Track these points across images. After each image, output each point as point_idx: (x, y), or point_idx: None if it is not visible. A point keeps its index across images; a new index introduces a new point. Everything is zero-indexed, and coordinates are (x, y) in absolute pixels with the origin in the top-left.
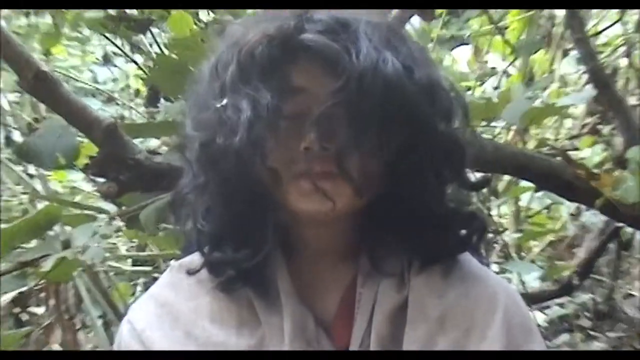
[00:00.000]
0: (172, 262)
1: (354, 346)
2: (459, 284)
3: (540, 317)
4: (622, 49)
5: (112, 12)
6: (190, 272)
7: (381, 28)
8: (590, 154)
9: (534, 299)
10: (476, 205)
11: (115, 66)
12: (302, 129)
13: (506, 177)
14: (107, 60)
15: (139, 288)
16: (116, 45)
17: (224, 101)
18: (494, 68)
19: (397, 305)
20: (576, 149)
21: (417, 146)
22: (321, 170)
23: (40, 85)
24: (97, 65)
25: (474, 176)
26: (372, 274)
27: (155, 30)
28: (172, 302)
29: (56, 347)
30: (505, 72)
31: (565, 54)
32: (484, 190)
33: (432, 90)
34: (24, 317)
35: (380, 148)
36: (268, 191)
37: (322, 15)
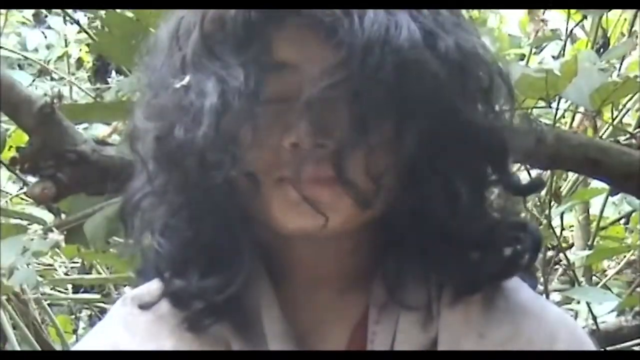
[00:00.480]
0: (126, 291)
1: None
2: (506, 320)
3: None
4: None
5: None
6: (144, 307)
7: None
8: None
9: (608, 340)
10: (529, 214)
11: (50, 28)
12: (288, 118)
13: (572, 176)
14: (39, 20)
15: (82, 324)
16: None
17: (186, 80)
18: (555, 30)
19: (423, 347)
20: None
21: (443, 139)
22: (314, 175)
23: None
24: (27, 27)
25: (529, 175)
26: (388, 307)
27: None
28: (126, 347)
29: None
30: (570, 35)
31: None
32: (541, 193)
33: (464, 64)
34: None
35: (394, 143)
36: (244, 201)
37: None
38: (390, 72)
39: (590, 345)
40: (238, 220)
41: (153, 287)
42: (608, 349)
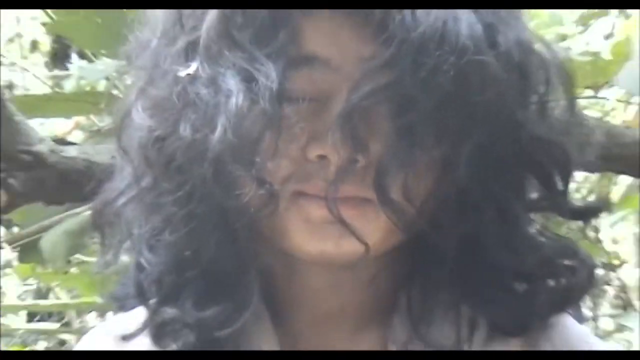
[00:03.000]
0: (95, 326)
1: None
2: None
3: None
4: None
5: None
6: (127, 337)
7: None
8: None
9: None
10: (572, 231)
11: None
12: (316, 124)
13: (624, 180)
14: None
15: None
16: None
17: (192, 68)
18: None
19: None
20: None
21: (500, 157)
22: (341, 195)
23: None
24: None
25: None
26: (410, 345)
27: None
28: None
29: None
30: (622, 11)
31: None
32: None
33: (525, 65)
34: None
35: (443, 162)
36: (255, 217)
37: None
38: (448, 76)
39: None
40: (245, 240)
41: (130, 317)
42: None
